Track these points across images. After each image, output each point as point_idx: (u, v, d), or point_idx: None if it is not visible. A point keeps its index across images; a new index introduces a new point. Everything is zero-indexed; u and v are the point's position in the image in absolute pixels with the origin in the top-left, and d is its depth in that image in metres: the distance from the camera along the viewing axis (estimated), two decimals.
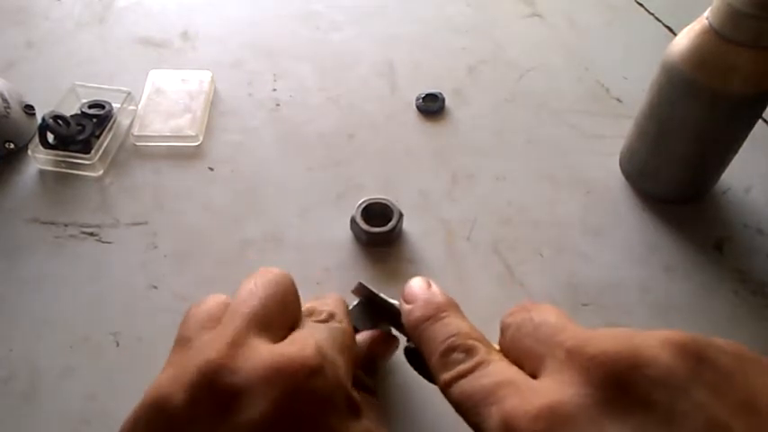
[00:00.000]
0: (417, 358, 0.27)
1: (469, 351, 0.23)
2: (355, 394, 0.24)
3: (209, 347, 0.22)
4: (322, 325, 0.26)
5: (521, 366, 0.23)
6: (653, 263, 0.42)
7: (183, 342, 0.24)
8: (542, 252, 0.42)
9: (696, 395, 0.18)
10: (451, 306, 0.26)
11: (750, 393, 0.18)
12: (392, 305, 0.30)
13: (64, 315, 0.38)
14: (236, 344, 0.22)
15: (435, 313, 0.26)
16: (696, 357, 0.19)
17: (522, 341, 0.23)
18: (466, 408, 0.22)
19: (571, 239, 0.43)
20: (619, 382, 0.18)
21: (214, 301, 0.26)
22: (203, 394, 0.21)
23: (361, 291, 0.31)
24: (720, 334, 0.39)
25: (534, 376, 0.22)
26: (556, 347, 0.21)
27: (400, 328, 0.30)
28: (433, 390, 0.25)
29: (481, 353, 0.23)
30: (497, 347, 0.25)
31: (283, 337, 0.25)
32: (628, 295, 0.40)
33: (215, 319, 0.25)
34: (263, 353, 0.22)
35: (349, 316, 0.29)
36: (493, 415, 0.20)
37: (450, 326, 0.25)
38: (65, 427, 0.34)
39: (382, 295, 0.31)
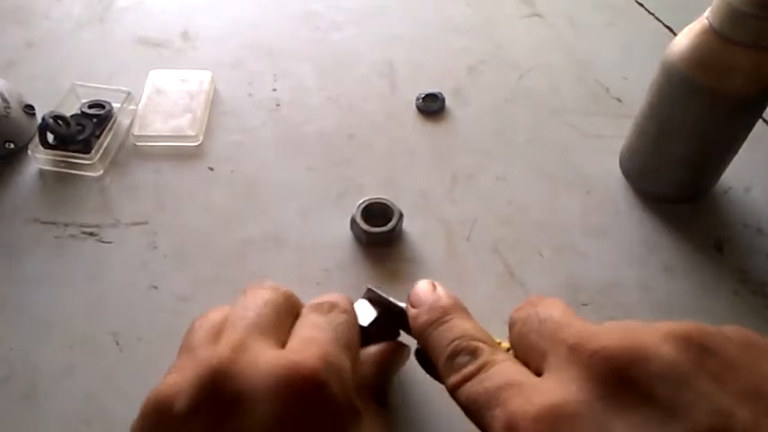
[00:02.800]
0: (427, 360, 0.27)
1: (474, 353, 0.23)
2: (357, 401, 0.24)
3: (212, 353, 0.23)
4: (323, 318, 0.26)
5: (527, 362, 0.23)
6: (653, 262, 0.42)
7: (187, 350, 0.25)
8: (542, 252, 0.42)
9: (699, 385, 0.18)
10: (456, 308, 0.26)
11: (756, 380, 0.18)
12: (401, 309, 0.30)
13: (64, 315, 0.38)
14: (238, 349, 0.23)
15: (440, 317, 0.26)
16: (699, 348, 0.19)
17: (527, 337, 0.23)
18: (472, 411, 0.22)
19: (571, 239, 0.43)
20: (621, 378, 0.18)
21: (217, 313, 0.26)
22: (206, 398, 0.21)
23: (370, 295, 0.31)
24: None
25: (539, 373, 0.22)
26: (559, 344, 0.21)
27: (409, 331, 0.30)
28: (440, 390, 0.25)
29: (485, 354, 0.23)
30: (506, 344, 0.25)
31: (286, 340, 0.25)
32: (628, 295, 0.40)
33: (219, 330, 0.25)
34: (267, 359, 0.22)
35: (353, 307, 0.29)
36: (497, 417, 0.20)
37: (455, 329, 0.25)
38: (65, 427, 0.34)
39: (391, 299, 0.31)
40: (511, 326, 0.25)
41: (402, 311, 0.30)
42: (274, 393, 0.21)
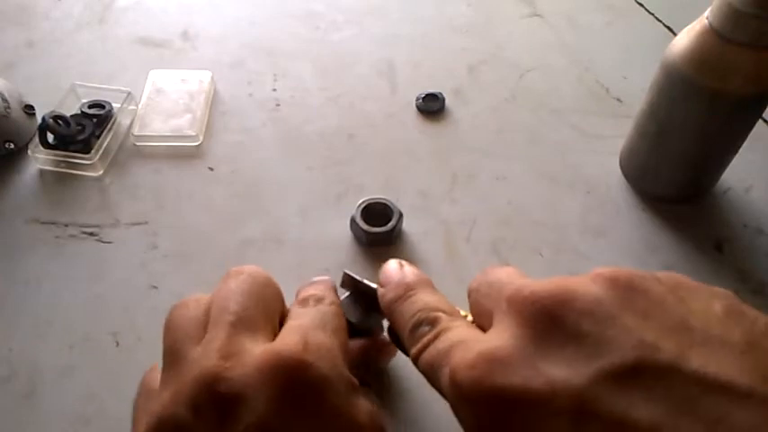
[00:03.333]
0: (398, 337, 0.28)
1: (433, 322, 0.24)
2: (351, 375, 0.24)
3: (202, 360, 0.23)
4: (311, 309, 0.26)
5: (481, 326, 0.24)
6: (653, 263, 0.42)
7: (173, 357, 0.24)
8: (542, 252, 0.42)
9: (624, 321, 0.18)
10: (421, 283, 0.27)
11: (683, 315, 0.18)
12: (374, 288, 0.30)
13: (64, 314, 0.38)
14: (227, 352, 0.23)
15: (404, 292, 0.26)
16: (626, 287, 0.19)
17: (479, 302, 0.24)
18: (429, 376, 0.23)
19: (571, 239, 0.43)
20: (550, 319, 0.19)
21: (195, 304, 0.26)
22: (205, 405, 0.22)
23: (350, 281, 0.31)
24: None
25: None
26: (501, 300, 0.22)
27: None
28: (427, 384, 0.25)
29: (443, 322, 0.24)
30: (471, 316, 0.26)
31: (273, 332, 0.25)
32: None
33: (201, 326, 0.25)
34: (254, 354, 0.23)
35: (338, 299, 0.29)
36: (444, 373, 0.21)
37: (417, 302, 0.25)
38: (64, 427, 0.34)
39: (366, 281, 0.31)
40: (468, 296, 0.26)
41: (374, 292, 0.30)
42: (266, 385, 0.22)
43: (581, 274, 0.21)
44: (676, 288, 0.20)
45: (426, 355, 0.23)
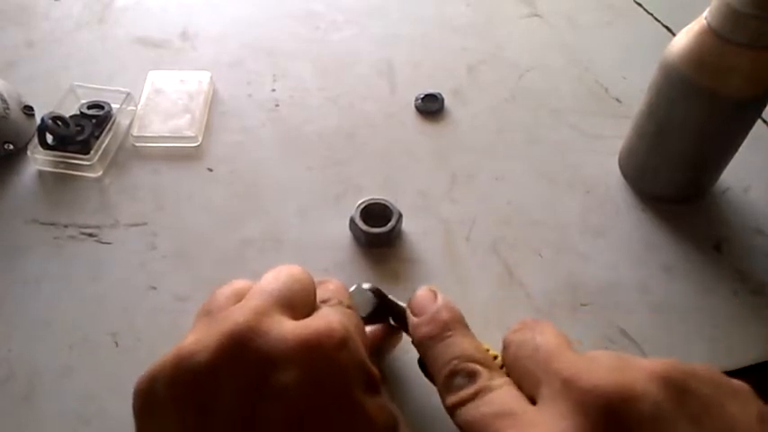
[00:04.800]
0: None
1: (472, 376, 0.24)
2: (374, 370, 0.24)
3: (235, 315, 0.23)
4: (338, 307, 0.27)
5: (520, 385, 0.24)
6: (652, 263, 0.42)
7: (206, 314, 0.24)
8: (542, 252, 0.42)
9: (680, 427, 0.19)
10: (456, 322, 0.27)
11: (727, 422, 0.20)
12: (401, 308, 0.30)
13: (63, 315, 0.38)
14: (262, 313, 0.23)
15: (440, 332, 0.26)
16: (680, 389, 0.20)
17: (522, 361, 0.24)
18: (462, 424, 0.23)
19: (570, 239, 0.43)
20: (611, 416, 0.20)
21: (241, 282, 0.27)
22: (232, 356, 0.21)
23: (378, 295, 0.32)
24: (720, 334, 0.39)
25: (532, 399, 0.22)
26: (553, 375, 0.22)
27: (407, 329, 0.30)
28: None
29: (483, 378, 0.24)
30: (499, 361, 0.26)
31: (305, 317, 0.25)
32: (627, 295, 0.40)
33: (240, 296, 0.25)
34: (289, 325, 0.23)
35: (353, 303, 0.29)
36: None
37: (455, 347, 0.25)
38: (64, 427, 0.34)
39: (397, 301, 0.31)
40: (505, 347, 0.26)
41: (402, 311, 0.30)
42: (300, 354, 0.22)
43: (631, 360, 0.22)
44: (717, 388, 0.21)
45: (467, 413, 0.23)
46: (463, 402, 0.23)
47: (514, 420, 0.21)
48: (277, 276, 0.26)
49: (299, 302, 0.25)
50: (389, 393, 0.30)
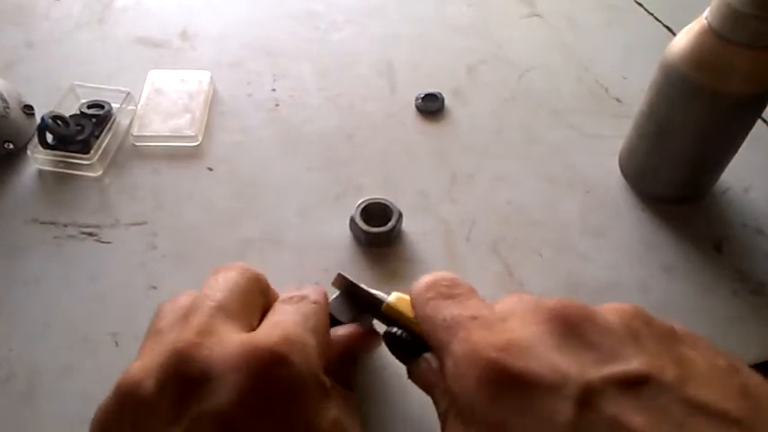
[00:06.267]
0: (398, 344, 0.28)
1: (455, 285, 0.26)
2: (325, 379, 0.25)
3: (177, 336, 0.23)
4: (291, 306, 0.27)
5: None
6: (652, 263, 0.42)
7: (153, 334, 0.25)
8: (542, 252, 0.42)
9: (639, 343, 0.20)
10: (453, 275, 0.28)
11: (692, 356, 0.21)
12: (373, 295, 0.30)
13: (63, 315, 0.38)
14: (203, 332, 0.23)
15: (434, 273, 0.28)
16: (645, 322, 0.22)
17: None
18: (434, 327, 0.24)
19: (570, 239, 0.43)
20: (572, 328, 0.21)
21: (185, 297, 0.27)
22: (170, 380, 0.22)
23: (342, 282, 0.31)
24: (720, 334, 0.39)
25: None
26: (525, 301, 0.24)
27: (381, 318, 0.30)
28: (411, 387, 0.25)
29: (464, 288, 0.26)
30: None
31: (252, 325, 0.25)
32: (627, 295, 0.40)
33: (186, 313, 0.25)
34: (231, 341, 0.23)
35: (326, 300, 0.29)
36: (461, 341, 0.22)
37: (443, 272, 0.27)
38: (64, 427, 0.34)
39: (363, 285, 0.31)
40: None
41: (374, 297, 0.30)
42: (237, 370, 0.22)
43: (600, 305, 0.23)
44: (692, 339, 0.22)
45: (440, 307, 0.24)
46: (441, 297, 0.25)
47: (487, 322, 0.23)
48: (216, 285, 0.26)
49: (243, 309, 0.26)
50: (357, 401, 0.29)
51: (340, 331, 0.30)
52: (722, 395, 0.19)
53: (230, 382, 0.22)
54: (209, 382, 0.22)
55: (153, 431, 0.21)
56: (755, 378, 0.20)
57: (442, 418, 0.23)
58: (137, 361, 0.24)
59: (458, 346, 0.22)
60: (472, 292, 0.26)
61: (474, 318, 0.23)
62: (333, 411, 0.24)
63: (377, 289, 0.31)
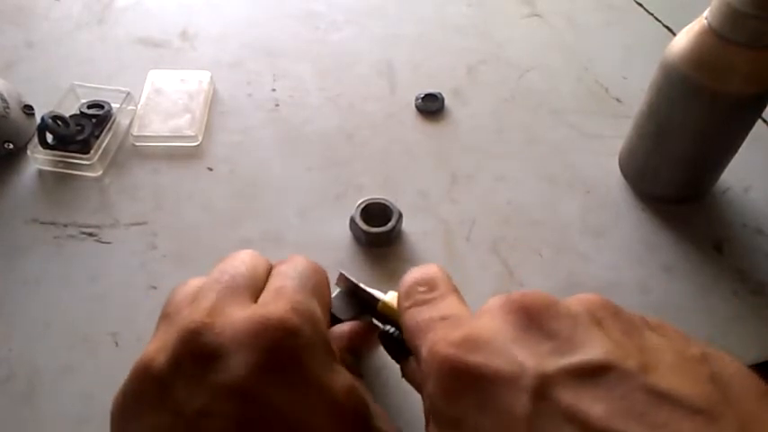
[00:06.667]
0: (392, 342, 0.28)
1: (431, 287, 0.26)
2: (332, 344, 0.25)
3: (188, 316, 0.24)
4: (289, 267, 0.28)
5: None
6: (652, 263, 0.42)
7: (165, 316, 0.26)
8: (542, 252, 0.42)
9: (601, 332, 0.20)
10: (437, 265, 0.28)
11: (659, 345, 0.20)
12: (371, 294, 0.30)
13: (63, 315, 0.38)
14: (213, 313, 0.24)
15: (420, 266, 0.28)
16: (612, 313, 0.21)
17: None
18: (410, 334, 0.24)
19: (570, 239, 0.43)
20: (531, 317, 0.21)
21: (196, 280, 0.28)
22: (184, 358, 0.22)
23: (344, 281, 0.32)
24: (719, 333, 0.39)
25: None
26: (501, 297, 0.23)
27: (378, 316, 0.30)
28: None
29: (440, 289, 0.25)
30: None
31: (258, 293, 0.26)
32: (627, 295, 0.40)
33: (197, 296, 0.26)
34: (240, 317, 0.24)
35: (316, 264, 0.30)
36: (426, 341, 0.23)
37: (424, 270, 0.27)
38: (64, 427, 0.34)
39: (362, 285, 0.31)
40: None
41: (374, 297, 0.30)
42: (248, 346, 0.22)
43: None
44: (659, 327, 0.21)
45: (415, 314, 0.25)
46: (417, 304, 0.25)
47: (452, 321, 0.23)
48: (224, 267, 0.27)
49: (249, 285, 0.26)
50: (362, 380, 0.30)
51: (341, 328, 0.31)
52: (688, 383, 0.18)
53: (243, 357, 0.22)
54: (222, 358, 0.22)
55: (171, 407, 0.22)
56: (730, 367, 0.19)
57: (426, 419, 0.23)
58: (150, 344, 0.24)
59: (424, 348, 0.23)
60: (448, 292, 0.26)
61: (444, 318, 0.23)
62: (346, 377, 0.25)
63: (377, 288, 0.31)
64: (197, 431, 0.21)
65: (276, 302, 0.25)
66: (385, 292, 0.30)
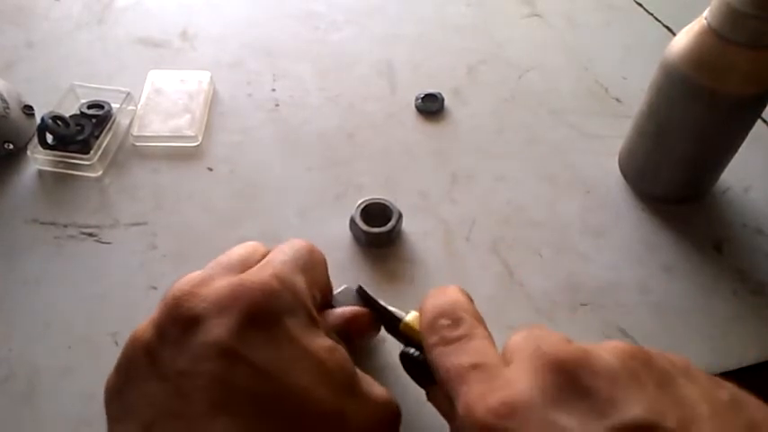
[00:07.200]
0: (414, 365, 0.28)
1: (456, 320, 0.25)
2: (315, 313, 0.26)
3: (175, 288, 0.25)
4: (285, 246, 0.28)
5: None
6: (652, 263, 0.42)
7: (161, 301, 0.26)
8: (541, 252, 0.42)
9: (637, 387, 0.20)
10: (458, 288, 0.28)
11: (692, 395, 0.20)
12: (391, 312, 0.30)
13: (63, 315, 0.38)
14: (199, 284, 0.25)
15: (440, 290, 0.27)
16: (643, 361, 0.21)
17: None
18: (443, 378, 0.24)
19: (570, 239, 0.43)
20: (567, 376, 0.20)
21: (197, 272, 0.28)
22: (168, 323, 0.23)
23: (361, 294, 0.31)
24: (719, 334, 0.39)
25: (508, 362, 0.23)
26: (530, 341, 0.23)
27: (398, 336, 0.30)
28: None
29: (466, 325, 0.25)
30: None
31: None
32: (627, 295, 0.40)
33: (189, 280, 0.27)
34: (223, 282, 0.25)
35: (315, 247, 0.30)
36: (461, 396, 0.22)
37: (446, 296, 0.27)
38: (64, 428, 0.34)
39: (381, 301, 0.31)
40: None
41: (390, 313, 0.30)
42: (228, 306, 0.23)
43: (599, 344, 0.22)
44: (688, 371, 0.21)
45: (445, 360, 0.24)
46: (444, 343, 0.24)
47: (486, 374, 0.22)
48: (222, 257, 0.28)
49: (243, 262, 0.27)
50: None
51: (342, 311, 0.31)
52: None
53: (223, 319, 0.23)
54: (204, 322, 0.23)
55: (157, 373, 0.23)
56: (761, 411, 0.20)
57: None
58: (143, 323, 0.25)
59: (460, 403, 0.22)
60: (475, 326, 0.25)
61: (475, 366, 0.23)
62: (327, 340, 0.25)
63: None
64: (181, 392, 0.22)
65: (260, 271, 0.25)
66: (405, 312, 0.30)
